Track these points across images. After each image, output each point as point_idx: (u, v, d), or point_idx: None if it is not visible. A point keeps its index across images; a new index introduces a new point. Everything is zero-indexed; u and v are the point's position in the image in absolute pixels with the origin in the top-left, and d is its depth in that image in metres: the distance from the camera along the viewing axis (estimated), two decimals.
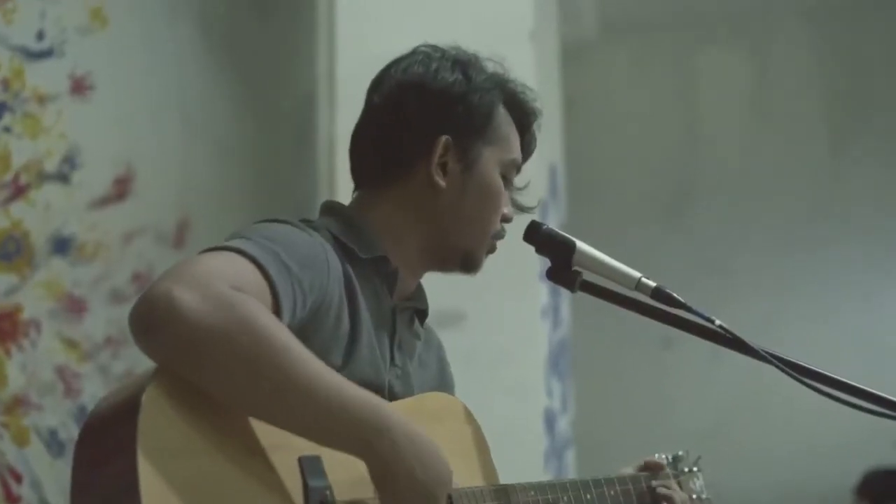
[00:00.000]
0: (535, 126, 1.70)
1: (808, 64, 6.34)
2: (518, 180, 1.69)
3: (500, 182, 1.62)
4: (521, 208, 1.70)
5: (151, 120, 3.36)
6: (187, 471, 1.24)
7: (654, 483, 1.70)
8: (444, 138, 1.57)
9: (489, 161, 1.60)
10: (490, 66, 1.65)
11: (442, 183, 1.58)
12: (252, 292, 1.30)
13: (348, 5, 3.61)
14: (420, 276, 1.66)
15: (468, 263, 1.63)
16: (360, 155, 1.64)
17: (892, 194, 6.13)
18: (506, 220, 1.65)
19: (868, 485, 5.64)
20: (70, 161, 2.95)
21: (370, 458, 1.29)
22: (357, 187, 1.66)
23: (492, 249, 1.65)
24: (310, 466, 1.31)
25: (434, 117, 1.57)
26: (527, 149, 1.68)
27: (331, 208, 1.63)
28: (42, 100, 2.87)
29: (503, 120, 1.63)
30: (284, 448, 1.32)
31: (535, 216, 1.66)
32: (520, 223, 1.63)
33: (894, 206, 6.13)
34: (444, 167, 1.59)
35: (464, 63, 1.62)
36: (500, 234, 1.65)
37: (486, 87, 1.61)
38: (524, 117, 1.67)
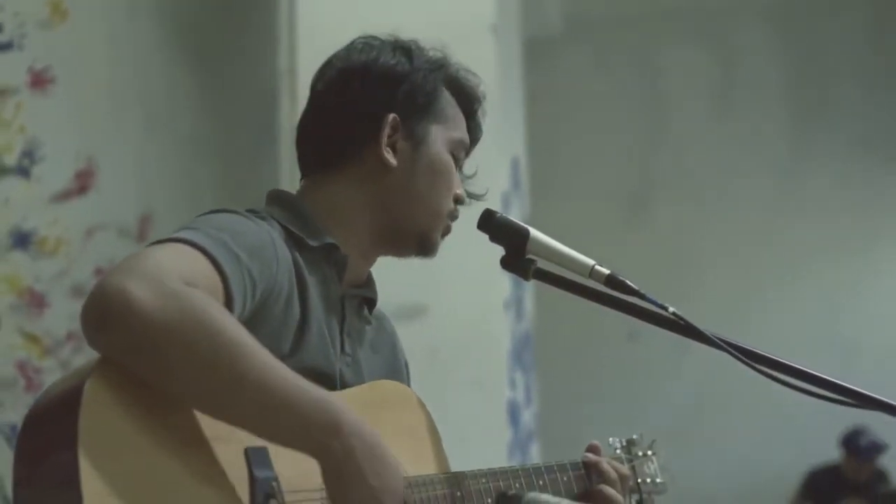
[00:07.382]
0: (479, 112, 1.70)
1: (770, 62, 6.41)
2: (467, 169, 1.69)
3: (449, 159, 1.62)
4: (470, 196, 1.70)
5: (113, 114, 3.35)
6: (130, 463, 1.23)
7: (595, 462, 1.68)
8: (391, 116, 1.58)
9: (438, 138, 1.61)
10: (431, 52, 1.66)
11: (393, 161, 1.58)
12: (204, 284, 1.30)
13: (309, 1, 3.61)
14: (373, 260, 1.65)
15: (424, 246, 1.62)
16: (307, 142, 1.64)
17: (850, 190, 6.21)
18: (459, 200, 1.64)
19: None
20: (30, 155, 2.93)
21: (322, 456, 1.29)
22: (304, 175, 1.65)
23: (446, 231, 1.64)
24: (256, 457, 1.30)
25: (379, 98, 1.58)
26: (473, 134, 1.68)
27: (277, 197, 1.63)
28: (1, 93, 2.85)
29: (448, 101, 1.64)
30: (230, 439, 1.31)
31: (489, 205, 1.65)
32: (478, 213, 1.63)
33: (851, 200, 6.21)
34: (393, 146, 1.59)
35: (404, 47, 1.63)
36: (453, 215, 1.64)
37: (429, 67, 1.62)
38: (467, 101, 1.67)
